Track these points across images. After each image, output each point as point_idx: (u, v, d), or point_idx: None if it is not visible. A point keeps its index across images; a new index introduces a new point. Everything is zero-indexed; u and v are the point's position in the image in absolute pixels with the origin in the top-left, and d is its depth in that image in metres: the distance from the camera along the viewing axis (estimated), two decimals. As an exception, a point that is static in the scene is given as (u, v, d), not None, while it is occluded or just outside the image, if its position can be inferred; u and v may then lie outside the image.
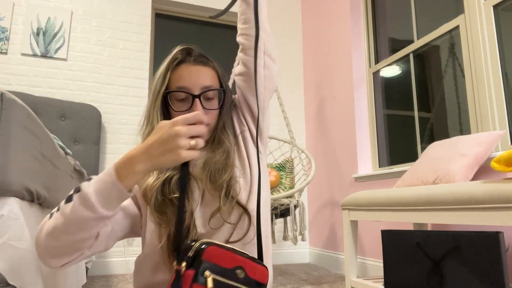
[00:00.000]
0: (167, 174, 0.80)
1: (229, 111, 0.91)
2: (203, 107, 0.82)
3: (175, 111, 0.83)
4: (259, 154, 0.91)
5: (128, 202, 0.85)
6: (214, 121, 0.86)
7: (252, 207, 0.82)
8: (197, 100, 0.81)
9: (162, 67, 0.86)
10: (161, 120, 0.84)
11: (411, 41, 2.38)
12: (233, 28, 3.49)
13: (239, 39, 0.92)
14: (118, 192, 0.65)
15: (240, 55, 0.91)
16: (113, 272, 2.64)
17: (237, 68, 0.92)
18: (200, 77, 0.83)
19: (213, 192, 0.81)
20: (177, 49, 0.87)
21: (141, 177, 0.67)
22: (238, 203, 0.81)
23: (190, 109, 0.81)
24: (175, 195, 0.78)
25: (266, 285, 0.70)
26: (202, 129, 0.67)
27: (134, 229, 0.87)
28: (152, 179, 0.80)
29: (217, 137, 0.86)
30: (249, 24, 0.89)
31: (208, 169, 0.82)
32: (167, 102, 0.85)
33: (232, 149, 0.86)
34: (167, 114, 0.87)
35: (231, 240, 0.80)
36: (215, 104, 0.86)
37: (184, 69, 0.84)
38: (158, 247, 0.78)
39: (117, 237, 0.83)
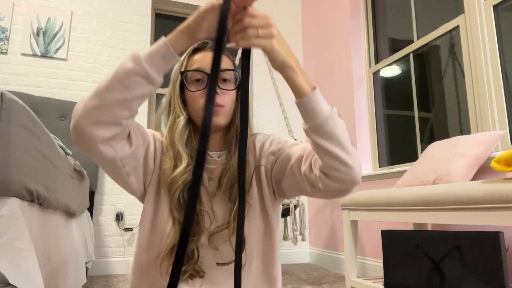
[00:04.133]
0: (190, 177, 0.78)
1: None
2: (219, 87, 0.81)
3: (190, 91, 0.83)
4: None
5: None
6: (231, 107, 0.84)
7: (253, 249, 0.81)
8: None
9: (181, 58, 0.87)
10: (182, 105, 0.84)
11: (411, 41, 2.38)
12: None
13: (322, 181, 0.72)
14: (165, 49, 0.68)
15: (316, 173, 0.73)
16: (113, 272, 2.64)
17: (306, 166, 0.75)
18: None
19: (225, 203, 0.81)
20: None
21: (182, 36, 0.69)
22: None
23: (205, 88, 0.81)
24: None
25: None
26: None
27: (140, 168, 0.83)
28: (180, 169, 0.79)
29: (237, 130, 0.83)
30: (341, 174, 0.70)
31: (227, 178, 0.81)
32: (183, 85, 0.85)
33: (250, 146, 0.85)
34: (184, 96, 0.86)
35: (220, 262, 0.80)
36: (231, 86, 0.84)
37: (201, 54, 0.85)
38: (163, 241, 0.79)
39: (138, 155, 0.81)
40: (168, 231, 0.78)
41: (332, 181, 0.70)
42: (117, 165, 0.74)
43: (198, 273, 0.79)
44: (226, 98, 0.82)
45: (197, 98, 0.82)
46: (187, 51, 0.87)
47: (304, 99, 0.68)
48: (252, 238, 0.81)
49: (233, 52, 0.91)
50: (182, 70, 0.84)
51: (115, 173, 0.77)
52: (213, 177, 0.83)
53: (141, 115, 2.87)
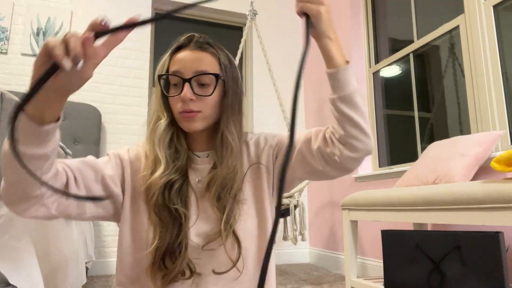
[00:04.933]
0: (170, 177, 0.77)
1: (234, 105, 0.82)
2: (194, 93, 0.76)
3: (167, 95, 0.79)
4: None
5: (109, 183, 0.78)
6: (211, 111, 0.79)
7: (249, 248, 0.79)
8: (186, 84, 0.76)
9: (165, 55, 0.83)
10: (164, 107, 0.80)
11: (411, 41, 2.38)
12: (233, 28, 3.49)
13: (337, 144, 0.74)
14: (26, 126, 0.56)
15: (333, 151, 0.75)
16: (113, 272, 2.63)
17: (319, 142, 0.77)
18: (194, 61, 0.78)
19: (215, 209, 0.78)
20: (181, 36, 0.83)
21: (38, 100, 0.54)
22: (234, 233, 0.77)
23: (180, 93, 0.76)
24: (174, 206, 0.76)
25: None
26: (76, 45, 0.49)
27: (109, 208, 0.81)
28: (158, 174, 0.76)
29: (223, 137, 0.80)
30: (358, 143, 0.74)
31: (215, 187, 0.78)
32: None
33: (238, 152, 0.81)
34: (166, 100, 0.81)
35: (217, 271, 0.77)
36: (209, 91, 0.78)
37: (181, 54, 0.79)
38: (148, 250, 0.76)
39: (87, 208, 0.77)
40: (151, 240, 0.76)
41: (350, 150, 0.74)
42: (60, 217, 0.70)
43: (189, 267, 0.75)
44: (202, 104, 0.77)
45: (175, 103, 0.78)
46: (170, 49, 0.82)
47: (338, 69, 0.71)
48: (245, 238, 0.79)
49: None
50: (160, 73, 0.80)
51: (68, 219, 0.75)
52: (202, 179, 0.81)
53: (142, 116, 2.87)
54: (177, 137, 0.81)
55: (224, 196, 0.78)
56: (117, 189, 0.79)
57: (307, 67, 3.45)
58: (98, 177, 0.76)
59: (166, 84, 0.81)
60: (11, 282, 0.85)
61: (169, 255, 0.74)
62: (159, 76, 0.80)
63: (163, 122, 0.80)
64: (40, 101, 0.54)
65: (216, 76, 0.78)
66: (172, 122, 0.81)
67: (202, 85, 0.78)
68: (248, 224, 0.81)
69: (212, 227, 0.78)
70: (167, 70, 0.80)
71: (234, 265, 0.76)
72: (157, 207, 0.76)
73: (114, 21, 0.50)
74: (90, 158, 0.78)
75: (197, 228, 0.78)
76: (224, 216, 0.76)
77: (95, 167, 0.76)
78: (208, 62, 0.79)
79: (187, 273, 0.76)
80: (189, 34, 0.83)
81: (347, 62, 0.73)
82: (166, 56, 0.82)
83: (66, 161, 0.73)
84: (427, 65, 2.32)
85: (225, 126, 0.80)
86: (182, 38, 0.82)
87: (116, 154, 0.82)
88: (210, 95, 0.77)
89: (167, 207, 0.76)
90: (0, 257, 0.85)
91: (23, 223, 0.92)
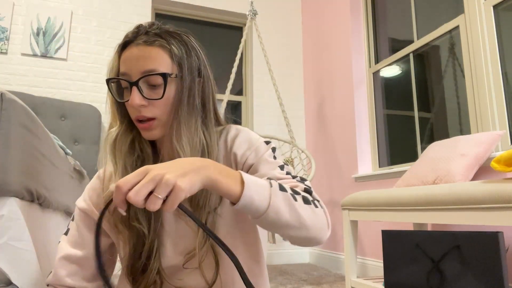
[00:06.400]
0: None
1: (190, 103, 0.70)
2: (144, 97, 0.67)
3: (118, 100, 0.71)
4: None
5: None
6: (167, 115, 0.69)
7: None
8: (134, 88, 0.66)
9: (114, 52, 0.73)
10: (116, 114, 0.73)
11: (411, 41, 2.38)
12: (233, 28, 3.49)
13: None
14: None
15: None
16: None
17: None
18: (140, 60, 0.67)
19: (192, 223, 0.70)
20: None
21: None
22: (213, 249, 0.70)
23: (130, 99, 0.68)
24: (135, 223, 0.68)
25: None
26: None
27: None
28: (111, 187, 0.65)
29: (172, 146, 0.69)
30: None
31: (187, 200, 0.69)
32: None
33: (221, 149, 0.71)
34: (120, 105, 0.73)
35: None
36: (160, 92, 0.67)
37: (128, 51, 0.69)
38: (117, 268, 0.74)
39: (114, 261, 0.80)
40: (123, 254, 0.74)
41: (296, 244, 0.67)
42: None
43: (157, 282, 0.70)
44: (156, 109, 0.68)
45: (129, 109, 0.70)
46: (118, 45, 0.72)
47: (240, 203, 0.56)
48: (224, 256, 0.69)
49: (172, 34, 0.71)
50: (109, 77, 0.71)
51: None
52: None
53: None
54: (139, 142, 0.73)
55: (200, 209, 0.69)
56: (106, 241, 0.80)
57: (306, 68, 3.45)
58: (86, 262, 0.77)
59: (118, 88, 0.71)
60: (13, 281, 0.85)
61: (139, 273, 0.70)
62: (107, 80, 0.70)
63: (114, 130, 0.72)
64: None
65: (164, 75, 0.66)
66: (131, 128, 0.73)
67: (152, 86, 0.68)
68: (228, 240, 0.71)
69: (190, 243, 0.71)
70: (118, 72, 0.70)
71: (210, 286, 0.69)
72: (121, 224, 0.70)
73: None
74: (64, 252, 0.75)
75: (176, 246, 0.72)
76: (199, 231, 0.69)
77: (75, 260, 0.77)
78: (156, 59, 0.67)
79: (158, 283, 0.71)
80: (137, 25, 0.72)
81: (241, 179, 0.57)
82: (114, 56, 0.72)
83: (64, 273, 0.73)
84: (427, 65, 2.33)
85: (173, 134, 0.69)
86: (130, 32, 0.71)
87: (80, 213, 0.77)
88: (160, 98, 0.67)
89: (128, 223, 0.69)
90: (2, 257, 0.85)
91: (23, 223, 0.93)
